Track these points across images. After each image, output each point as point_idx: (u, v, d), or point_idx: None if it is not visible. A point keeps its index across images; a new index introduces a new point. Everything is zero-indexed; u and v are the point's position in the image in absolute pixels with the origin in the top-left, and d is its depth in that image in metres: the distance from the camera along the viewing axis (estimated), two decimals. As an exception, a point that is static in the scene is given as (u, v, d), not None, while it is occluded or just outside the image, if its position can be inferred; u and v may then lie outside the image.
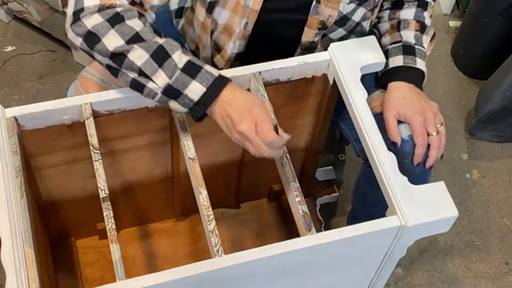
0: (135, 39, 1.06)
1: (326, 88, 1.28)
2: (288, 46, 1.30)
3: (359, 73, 1.20)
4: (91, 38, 1.06)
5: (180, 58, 1.06)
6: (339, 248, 1.08)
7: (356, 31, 1.32)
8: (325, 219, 1.64)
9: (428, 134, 1.23)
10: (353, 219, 1.57)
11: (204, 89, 1.05)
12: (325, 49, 1.30)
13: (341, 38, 1.31)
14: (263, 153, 1.05)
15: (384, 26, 1.36)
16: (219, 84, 1.06)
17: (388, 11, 1.36)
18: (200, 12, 1.26)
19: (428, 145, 1.24)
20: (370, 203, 1.45)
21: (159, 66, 1.05)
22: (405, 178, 1.09)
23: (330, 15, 1.23)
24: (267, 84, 1.21)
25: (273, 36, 1.28)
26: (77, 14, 1.06)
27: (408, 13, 1.33)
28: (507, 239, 1.84)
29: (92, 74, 1.28)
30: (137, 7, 1.10)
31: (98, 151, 1.10)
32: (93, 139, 1.11)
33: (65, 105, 1.13)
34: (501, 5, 1.95)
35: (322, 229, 1.59)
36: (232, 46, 1.28)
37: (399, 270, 1.75)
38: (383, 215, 1.09)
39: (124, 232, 1.55)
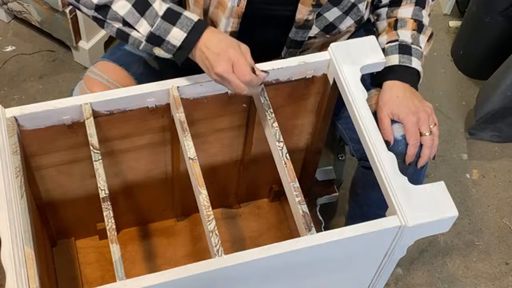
0: None
1: (326, 88, 1.28)
2: (283, 25, 1.28)
3: (359, 73, 1.20)
4: None
5: (160, 6, 1.11)
6: (339, 248, 1.08)
7: (352, 14, 1.30)
8: (325, 219, 1.64)
9: (421, 134, 1.23)
10: (350, 219, 1.58)
11: (185, 35, 1.10)
12: (320, 29, 1.29)
13: (337, 19, 1.29)
14: (242, 92, 1.10)
15: (382, 24, 1.35)
16: (198, 28, 1.11)
17: (386, 9, 1.35)
18: None
19: (421, 145, 1.24)
20: (364, 203, 1.46)
21: (141, 15, 1.11)
22: (405, 178, 1.09)
23: None
24: (267, 84, 1.21)
25: (267, 14, 1.27)
26: None
27: (406, 11, 1.33)
28: (507, 239, 1.84)
29: (97, 74, 1.28)
30: None
31: (98, 151, 1.10)
32: (93, 139, 1.11)
33: (65, 105, 1.13)
34: (501, 5, 1.95)
35: (322, 229, 1.58)
36: (225, 23, 1.26)
37: (399, 270, 1.75)
38: (378, 215, 1.09)
39: (124, 232, 1.55)
